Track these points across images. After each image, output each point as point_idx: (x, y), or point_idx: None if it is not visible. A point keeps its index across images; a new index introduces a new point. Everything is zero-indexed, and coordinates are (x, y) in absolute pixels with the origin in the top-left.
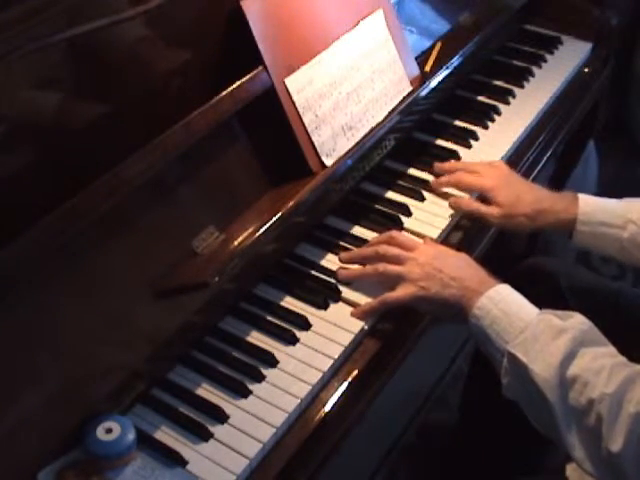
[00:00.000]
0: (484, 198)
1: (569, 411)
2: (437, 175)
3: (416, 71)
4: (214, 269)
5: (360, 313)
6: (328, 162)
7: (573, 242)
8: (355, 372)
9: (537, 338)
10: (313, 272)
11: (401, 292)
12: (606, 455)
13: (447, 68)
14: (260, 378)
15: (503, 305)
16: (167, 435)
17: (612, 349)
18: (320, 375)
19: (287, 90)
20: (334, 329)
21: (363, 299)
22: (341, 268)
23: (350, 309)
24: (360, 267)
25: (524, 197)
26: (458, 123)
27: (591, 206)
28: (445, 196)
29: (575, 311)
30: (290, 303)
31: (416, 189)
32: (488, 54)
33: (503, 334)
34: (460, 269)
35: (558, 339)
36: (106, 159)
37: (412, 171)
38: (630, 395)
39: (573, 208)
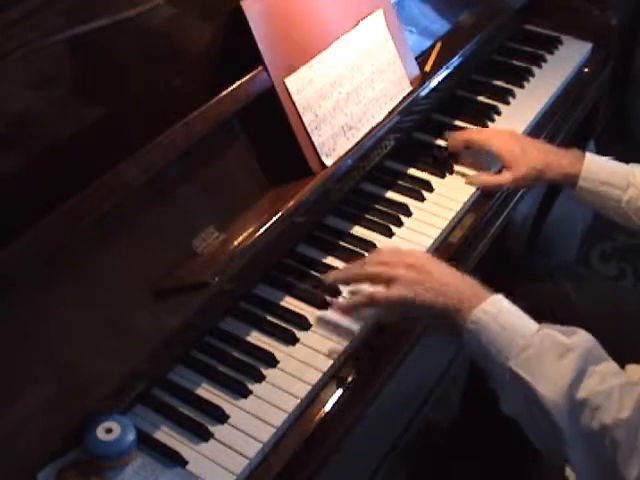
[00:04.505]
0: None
1: (579, 435)
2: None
3: (416, 71)
4: (214, 269)
5: (344, 307)
6: (328, 162)
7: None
8: (355, 372)
9: (541, 357)
10: (313, 272)
11: (391, 292)
12: None
13: (447, 68)
14: (260, 378)
15: (501, 319)
16: (167, 435)
17: (614, 364)
18: (320, 375)
19: (287, 90)
20: (334, 329)
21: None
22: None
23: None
24: (349, 267)
25: (531, 151)
26: (458, 123)
27: (596, 165)
28: (445, 197)
29: (575, 310)
30: (290, 303)
31: (416, 189)
32: (488, 54)
33: (504, 350)
34: (451, 275)
35: (564, 358)
36: (106, 159)
37: (412, 171)
38: None
39: (578, 164)
